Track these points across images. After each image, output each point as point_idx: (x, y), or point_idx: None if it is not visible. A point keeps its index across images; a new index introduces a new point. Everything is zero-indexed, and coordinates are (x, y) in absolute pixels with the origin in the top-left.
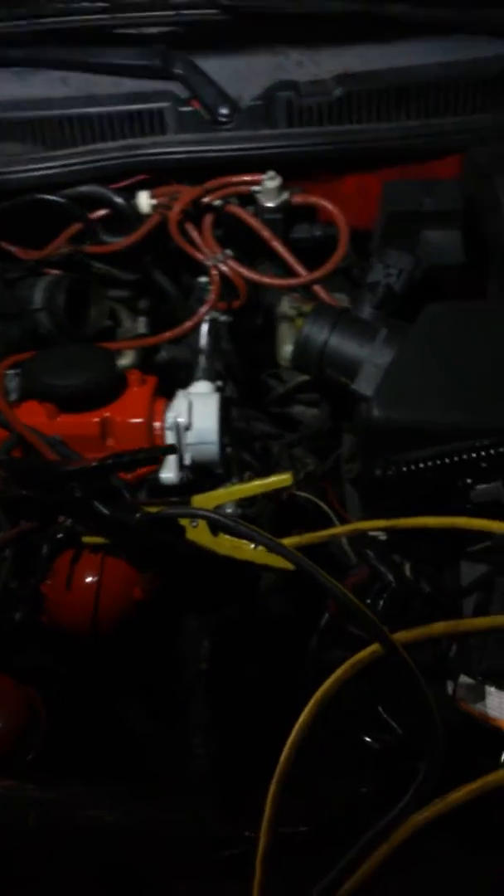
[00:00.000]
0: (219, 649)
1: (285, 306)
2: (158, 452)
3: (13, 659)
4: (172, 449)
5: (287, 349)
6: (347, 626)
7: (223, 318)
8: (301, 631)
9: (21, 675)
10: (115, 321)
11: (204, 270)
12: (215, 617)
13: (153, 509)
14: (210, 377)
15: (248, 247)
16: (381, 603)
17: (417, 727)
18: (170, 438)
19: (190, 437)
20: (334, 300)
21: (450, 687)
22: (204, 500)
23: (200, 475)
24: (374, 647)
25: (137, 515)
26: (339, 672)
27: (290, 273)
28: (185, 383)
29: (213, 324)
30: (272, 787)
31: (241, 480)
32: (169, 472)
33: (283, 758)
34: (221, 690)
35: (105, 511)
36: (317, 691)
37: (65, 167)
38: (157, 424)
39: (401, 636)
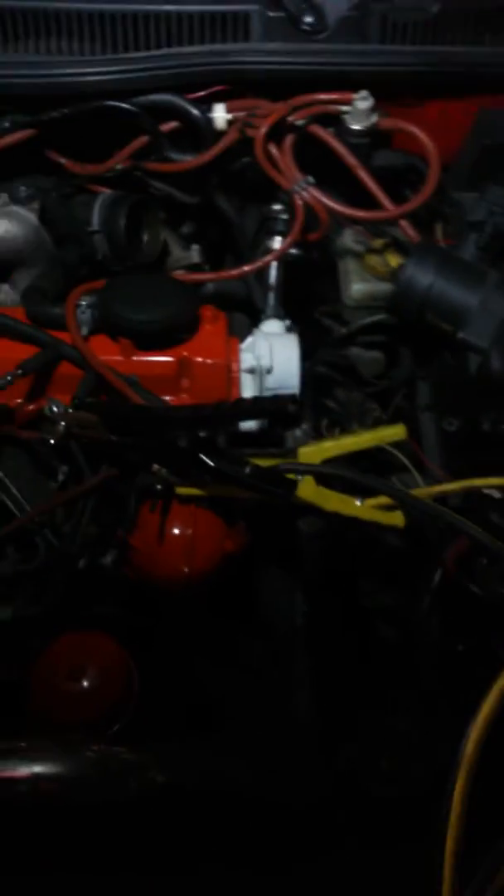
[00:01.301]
0: (313, 604)
1: (348, 240)
2: (287, 402)
3: (96, 609)
4: (296, 399)
5: (356, 287)
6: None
7: (294, 251)
8: (403, 584)
9: (105, 627)
10: (163, 248)
11: (273, 196)
12: (307, 570)
13: (259, 461)
14: (280, 316)
15: (312, 173)
16: None
17: None
18: (246, 381)
19: (270, 382)
20: (420, 237)
21: None
22: (313, 453)
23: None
24: None
25: (248, 469)
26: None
27: (362, 205)
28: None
29: (284, 258)
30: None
31: (316, 427)
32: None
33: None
34: (320, 648)
35: (213, 464)
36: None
37: (140, 71)
38: (233, 367)
39: None
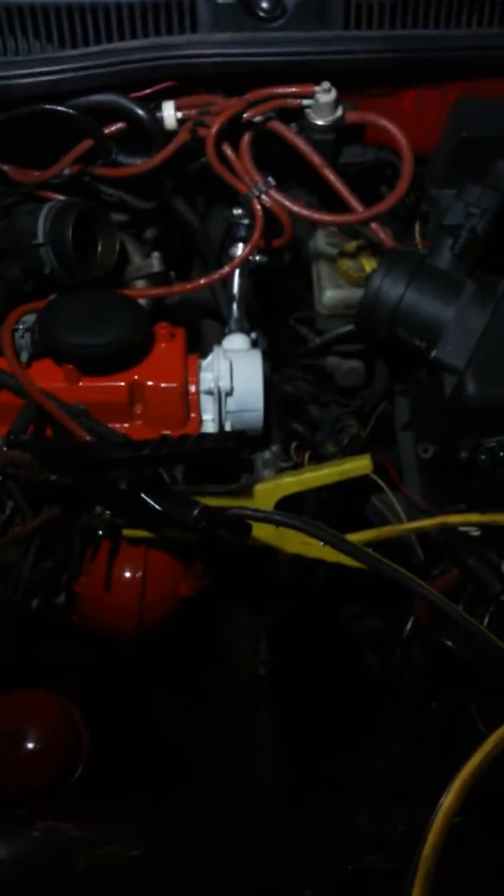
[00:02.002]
0: (278, 652)
1: (321, 243)
2: (227, 441)
3: (44, 656)
4: (242, 437)
5: (329, 294)
6: (435, 635)
7: (259, 258)
8: (369, 628)
9: (54, 675)
10: (122, 256)
11: (234, 198)
12: (270, 614)
13: (209, 501)
14: (244, 328)
15: (279, 171)
16: (487, 619)
17: None
18: (206, 404)
19: (231, 404)
20: (394, 242)
21: None
22: (270, 490)
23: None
24: None
25: (196, 512)
26: (487, 747)
27: (333, 204)
28: (195, 326)
29: (246, 265)
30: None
31: (285, 450)
32: None
33: (426, 853)
34: (284, 700)
35: (157, 507)
36: (463, 770)
37: (76, 71)
38: (191, 389)
39: None
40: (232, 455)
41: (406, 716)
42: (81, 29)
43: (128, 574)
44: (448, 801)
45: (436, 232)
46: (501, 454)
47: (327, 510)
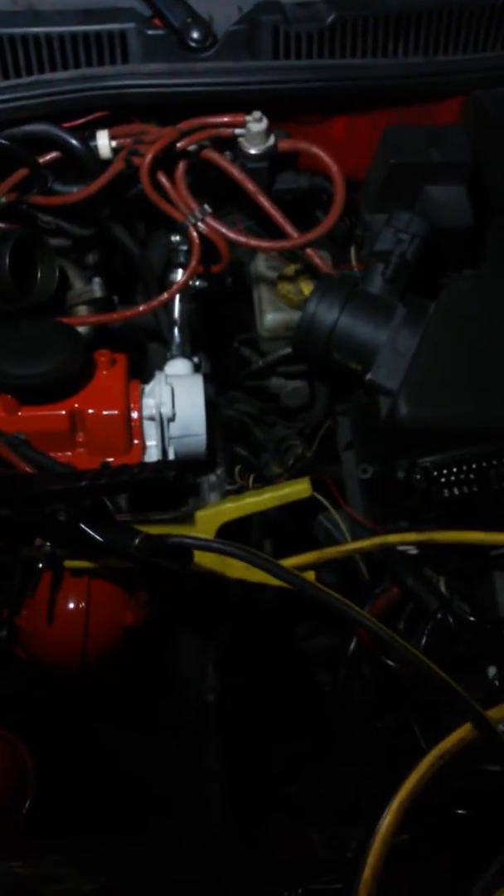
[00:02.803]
0: (225, 677)
1: (261, 266)
2: (165, 470)
3: None
4: (180, 465)
5: (270, 317)
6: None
7: (198, 283)
8: (320, 645)
9: None
10: (63, 282)
11: (174, 224)
12: (217, 638)
13: (151, 529)
14: (186, 353)
15: (218, 195)
16: (425, 637)
17: None
18: (149, 430)
19: (174, 429)
20: (331, 268)
21: None
22: (211, 516)
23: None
24: (462, 734)
25: (137, 541)
26: (423, 767)
27: (271, 228)
28: (141, 350)
29: (187, 290)
30: None
31: (229, 473)
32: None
33: (366, 876)
34: (231, 725)
35: (97, 537)
36: (400, 791)
37: (7, 101)
38: (134, 415)
39: None
40: (173, 483)
41: (357, 733)
42: (13, 60)
43: (71, 605)
44: (386, 822)
45: (367, 257)
46: (435, 473)
47: (276, 529)
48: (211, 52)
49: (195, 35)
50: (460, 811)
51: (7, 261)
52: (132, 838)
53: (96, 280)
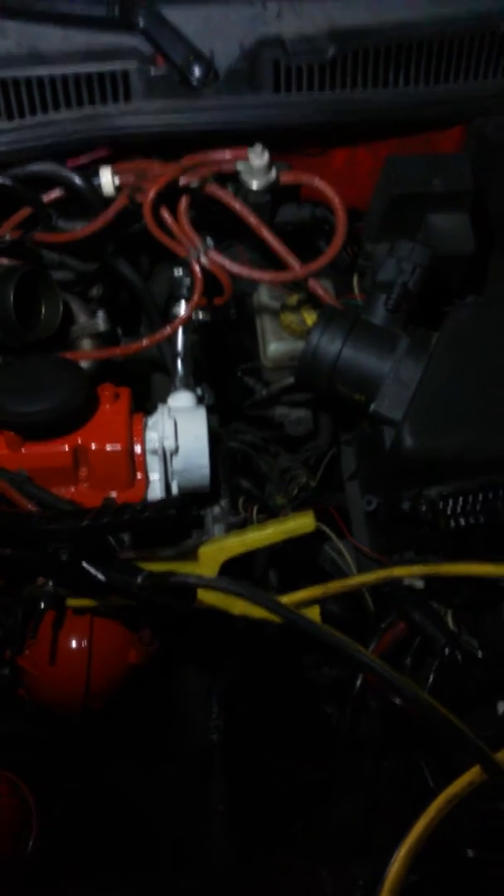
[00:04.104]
0: (231, 714)
1: (264, 297)
2: (167, 509)
3: None
4: (183, 503)
5: (273, 347)
6: (383, 692)
7: (202, 316)
8: (322, 680)
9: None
10: (67, 316)
11: (177, 257)
12: (222, 675)
13: (154, 566)
14: (189, 385)
15: (221, 228)
16: (432, 675)
17: None
18: (152, 463)
19: (177, 463)
20: (334, 298)
21: None
22: (214, 552)
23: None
24: (471, 777)
25: (139, 579)
26: (431, 812)
27: (274, 259)
28: (145, 381)
29: (190, 323)
30: None
31: (233, 504)
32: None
33: None
34: (238, 765)
35: (100, 576)
36: (409, 837)
37: (11, 143)
38: (137, 449)
39: None
40: (175, 520)
41: (364, 769)
42: (16, 101)
43: (73, 644)
44: (394, 869)
45: (371, 287)
46: (441, 504)
47: (281, 559)
48: (213, 88)
49: (197, 72)
50: (470, 852)
51: (12, 297)
52: (136, 879)
53: (100, 314)
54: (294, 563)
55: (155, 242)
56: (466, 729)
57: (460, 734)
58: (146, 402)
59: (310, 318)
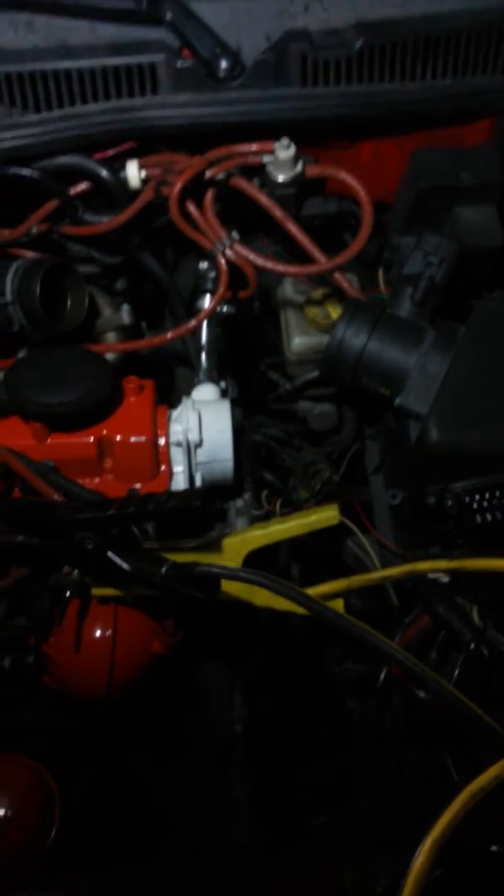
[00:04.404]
0: (254, 706)
1: (289, 290)
2: (192, 499)
3: (9, 717)
4: (207, 494)
5: (298, 341)
6: (409, 686)
7: (226, 309)
8: (345, 675)
9: (21, 738)
10: (92, 309)
11: (202, 250)
12: (245, 667)
13: (178, 557)
14: (213, 378)
15: (246, 221)
16: (458, 669)
17: None
18: (176, 455)
19: (201, 455)
20: (359, 292)
21: None
22: (238, 544)
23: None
24: (497, 771)
25: (164, 569)
26: (457, 805)
27: (299, 252)
28: (170, 374)
29: (215, 316)
30: None
31: (256, 498)
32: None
33: None
34: (261, 756)
35: (125, 565)
36: (433, 831)
37: (39, 135)
38: (161, 440)
39: None
40: (199, 511)
41: (388, 763)
42: (45, 94)
43: (98, 633)
44: (418, 863)
45: (397, 280)
46: (467, 499)
47: (304, 553)
48: (239, 81)
49: (224, 65)
50: (495, 848)
51: (38, 290)
52: (158, 870)
53: (125, 307)
54: (317, 557)
55: (180, 236)
56: (493, 722)
57: (487, 727)
58: (170, 396)
59: (335, 312)
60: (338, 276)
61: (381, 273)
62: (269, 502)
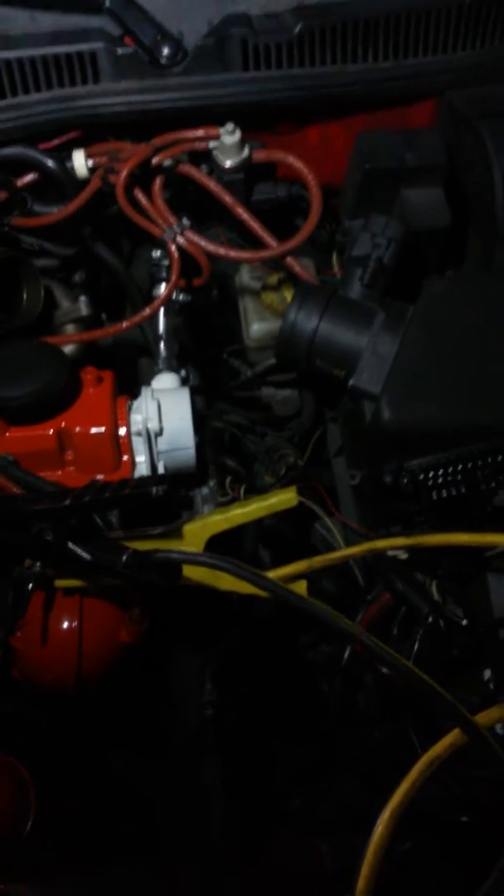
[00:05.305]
0: (224, 691)
1: (246, 277)
2: (148, 486)
3: None
4: (163, 479)
5: (256, 328)
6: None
7: (182, 297)
8: (319, 658)
9: None
10: (50, 302)
11: (152, 238)
12: (215, 652)
13: (140, 545)
14: (172, 367)
15: (199, 209)
16: (417, 643)
17: None
18: (138, 445)
19: (162, 444)
20: (312, 275)
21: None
22: (198, 529)
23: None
24: (451, 740)
25: (124, 557)
26: (413, 774)
27: (252, 239)
28: (132, 365)
29: (171, 304)
30: None
31: (221, 485)
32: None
33: (360, 887)
34: (234, 741)
35: (85, 555)
36: (392, 800)
37: None
38: (121, 431)
39: None
40: (162, 498)
41: (361, 741)
42: None
43: (64, 625)
44: (378, 832)
45: (346, 263)
46: (422, 476)
47: (272, 538)
48: (181, 67)
49: (165, 51)
50: (464, 818)
51: None
52: (134, 858)
53: (83, 299)
54: (286, 541)
55: (135, 226)
56: (443, 691)
57: (439, 697)
58: (133, 387)
59: (290, 296)
60: (290, 260)
61: (334, 256)
62: (234, 489)
